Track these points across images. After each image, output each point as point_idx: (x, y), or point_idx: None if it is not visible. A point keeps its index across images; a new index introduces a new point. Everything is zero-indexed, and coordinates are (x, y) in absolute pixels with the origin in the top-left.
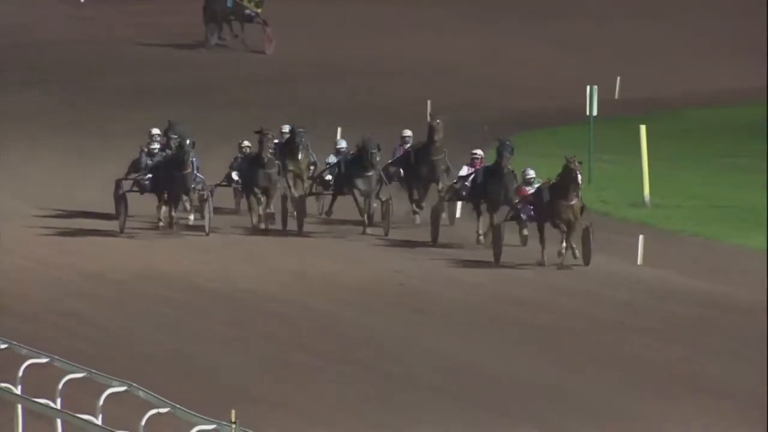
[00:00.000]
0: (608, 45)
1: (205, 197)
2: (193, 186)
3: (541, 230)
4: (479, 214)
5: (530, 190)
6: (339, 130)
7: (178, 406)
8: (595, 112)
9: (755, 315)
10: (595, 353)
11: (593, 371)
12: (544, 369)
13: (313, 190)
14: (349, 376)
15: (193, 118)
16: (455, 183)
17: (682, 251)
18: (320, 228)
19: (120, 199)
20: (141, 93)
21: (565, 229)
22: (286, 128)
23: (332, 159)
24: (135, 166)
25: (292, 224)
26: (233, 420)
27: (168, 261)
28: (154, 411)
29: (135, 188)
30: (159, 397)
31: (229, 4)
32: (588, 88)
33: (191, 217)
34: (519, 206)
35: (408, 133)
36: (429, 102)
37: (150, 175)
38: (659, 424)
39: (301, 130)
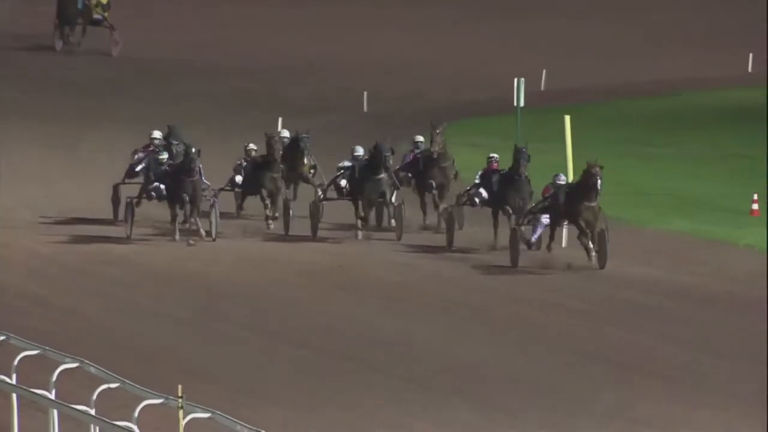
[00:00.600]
0: (536, 40)
1: (211, 203)
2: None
3: (553, 231)
4: (497, 220)
5: None
6: (280, 120)
7: (127, 381)
8: (522, 103)
9: (682, 297)
10: (521, 329)
11: (502, 343)
12: (469, 345)
13: (327, 196)
14: (297, 355)
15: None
16: (470, 189)
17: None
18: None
19: (128, 206)
20: None
21: (585, 229)
22: (285, 133)
23: (347, 164)
24: (131, 171)
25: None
26: (180, 395)
27: (122, 243)
28: (104, 386)
29: (143, 196)
30: (109, 372)
31: (80, 6)
32: (516, 80)
33: (197, 222)
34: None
35: (420, 138)
36: (365, 93)
37: (156, 183)
38: (600, 402)
39: (305, 135)
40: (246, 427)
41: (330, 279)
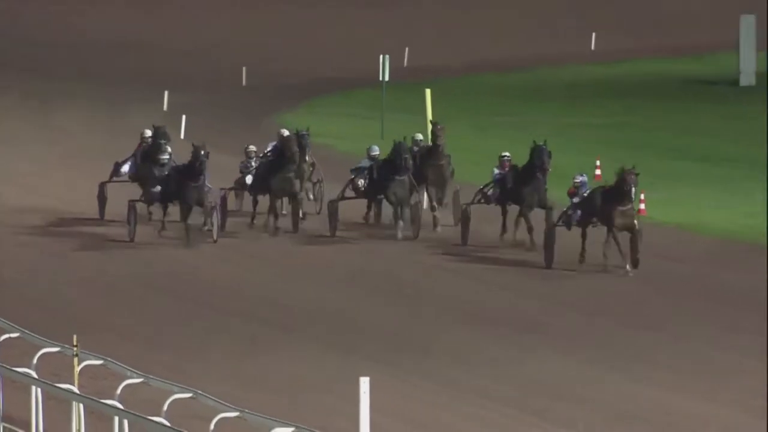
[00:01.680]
0: (400, 19)
1: (213, 205)
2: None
3: (584, 232)
4: (522, 216)
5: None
6: (166, 93)
7: (26, 331)
8: (387, 78)
9: (518, 253)
10: (397, 288)
11: (383, 303)
12: (341, 299)
13: (345, 195)
14: (194, 313)
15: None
16: (485, 187)
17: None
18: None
19: (131, 209)
20: None
21: (615, 232)
22: (286, 132)
23: (365, 163)
24: (116, 170)
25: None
26: (75, 344)
27: (43, 199)
28: (5, 336)
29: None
30: (10, 323)
31: None
32: (381, 57)
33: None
34: (570, 211)
35: (419, 137)
36: (244, 69)
37: (159, 187)
38: (453, 350)
39: (305, 132)
40: (135, 372)
41: (266, 259)
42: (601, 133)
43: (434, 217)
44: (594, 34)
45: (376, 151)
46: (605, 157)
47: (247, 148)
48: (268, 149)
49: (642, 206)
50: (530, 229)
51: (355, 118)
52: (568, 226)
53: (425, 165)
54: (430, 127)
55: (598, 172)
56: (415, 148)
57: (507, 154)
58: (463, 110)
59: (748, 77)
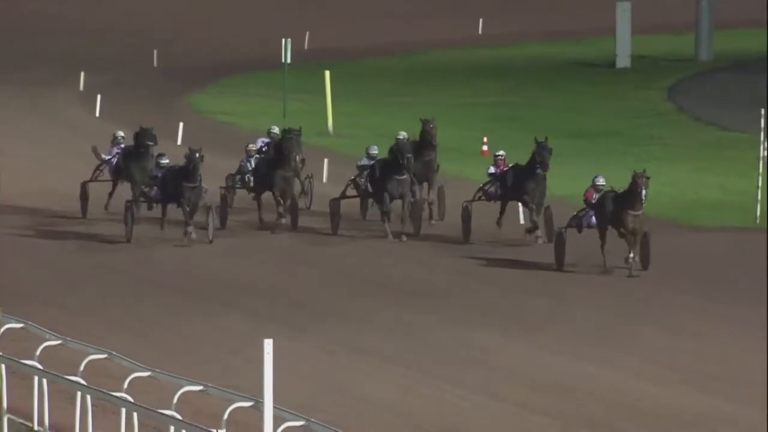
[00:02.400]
0: (302, 4)
1: (209, 206)
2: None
3: (602, 236)
4: (531, 213)
5: (596, 196)
6: (82, 74)
7: None
8: (289, 60)
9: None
10: (306, 258)
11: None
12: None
13: (347, 194)
14: (117, 281)
15: None
16: (485, 184)
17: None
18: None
19: (128, 210)
20: None
21: (630, 237)
22: (275, 129)
23: (365, 162)
24: (99, 170)
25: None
26: None
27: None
28: None
29: (142, 199)
30: None
31: None
32: (283, 40)
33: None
34: (581, 214)
35: (403, 134)
36: (155, 51)
37: (156, 189)
38: (354, 315)
39: (296, 131)
40: (54, 335)
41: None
42: (488, 111)
43: (430, 210)
44: (481, 20)
45: (375, 150)
46: (492, 134)
47: (246, 146)
48: (260, 145)
49: (485, 148)
50: (535, 225)
51: (259, 98)
52: (580, 228)
53: (415, 160)
54: (329, 107)
55: (485, 147)
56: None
57: (501, 153)
58: (360, 91)
59: (623, 60)
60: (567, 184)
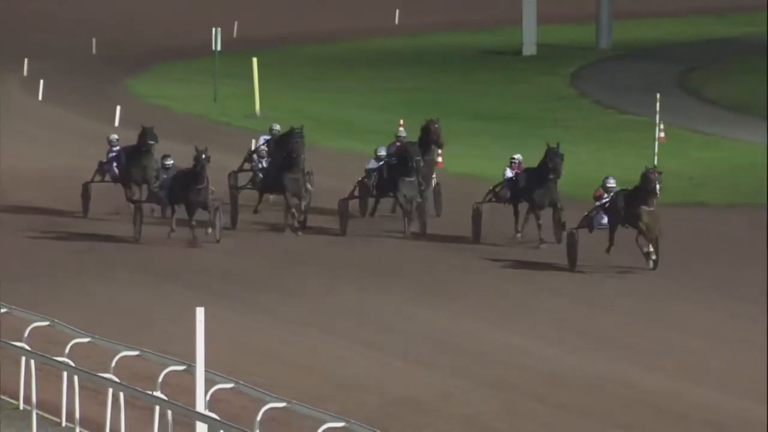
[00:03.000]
0: None
1: (215, 206)
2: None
3: (611, 237)
4: (537, 214)
5: (606, 197)
6: (26, 60)
7: None
8: (219, 48)
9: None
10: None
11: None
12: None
13: (355, 194)
14: (81, 258)
15: None
16: (497, 186)
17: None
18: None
19: (137, 210)
20: None
21: (646, 232)
22: (277, 127)
23: (372, 164)
24: (100, 170)
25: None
26: None
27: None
28: None
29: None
30: None
31: None
32: (213, 29)
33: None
34: (593, 213)
35: (403, 134)
36: (94, 39)
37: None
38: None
39: (298, 130)
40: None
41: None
42: (403, 96)
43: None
44: (398, 11)
45: (382, 152)
46: (408, 117)
47: (258, 147)
48: (261, 143)
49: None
50: (540, 227)
51: (191, 84)
52: (591, 228)
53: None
54: (257, 92)
55: (401, 130)
56: (397, 144)
57: (518, 156)
58: (286, 78)
59: (529, 47)
60: (489, 164)
